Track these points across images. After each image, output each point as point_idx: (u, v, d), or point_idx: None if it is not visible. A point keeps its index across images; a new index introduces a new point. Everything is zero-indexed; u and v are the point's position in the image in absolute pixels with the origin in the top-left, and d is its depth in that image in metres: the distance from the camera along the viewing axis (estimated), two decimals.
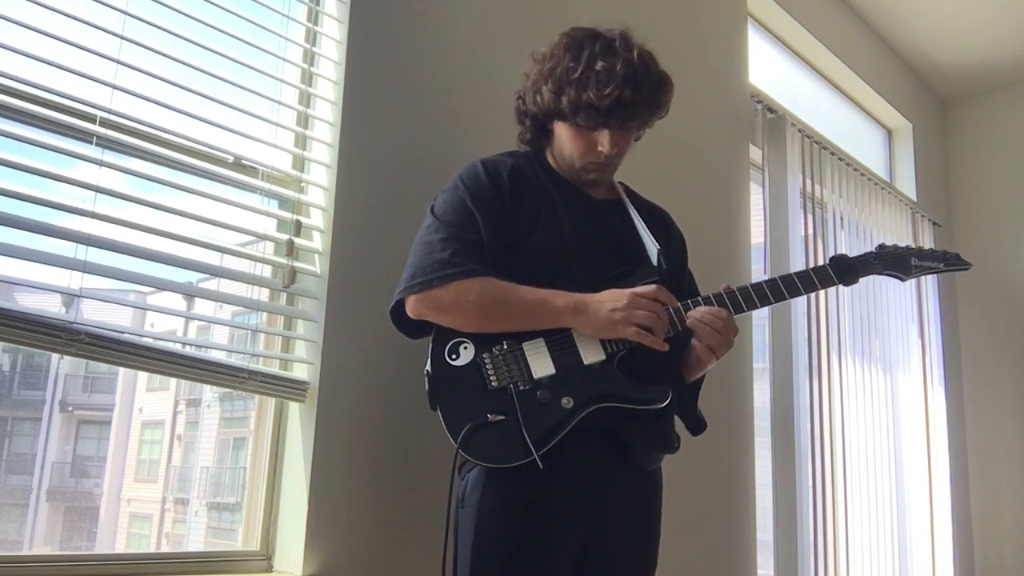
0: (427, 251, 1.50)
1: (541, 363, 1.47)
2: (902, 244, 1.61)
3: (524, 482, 1.41)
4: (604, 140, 1.55)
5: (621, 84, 1.49)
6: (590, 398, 1.45)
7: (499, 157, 1.63)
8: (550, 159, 1.67)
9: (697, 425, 1.67)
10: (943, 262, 1.59)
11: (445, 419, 1.45)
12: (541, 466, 1.38)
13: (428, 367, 1.50)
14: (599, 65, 1.50)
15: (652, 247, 1.60)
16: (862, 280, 1.61)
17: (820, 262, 3.35)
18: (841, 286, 1.59)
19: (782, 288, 1.54)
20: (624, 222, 1.66)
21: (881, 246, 1.60)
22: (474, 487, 1.45)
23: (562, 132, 1.59)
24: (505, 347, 1.47)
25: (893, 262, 1.58)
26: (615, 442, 1.49)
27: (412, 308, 1.51)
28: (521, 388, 1.45)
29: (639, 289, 1.47)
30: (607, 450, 1.49)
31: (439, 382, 1.48)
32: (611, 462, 1.51)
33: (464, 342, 1.48)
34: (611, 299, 1.45)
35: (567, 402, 1.44)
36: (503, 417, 1.43)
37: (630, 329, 1.44)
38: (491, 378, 1.46)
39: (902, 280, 1.61)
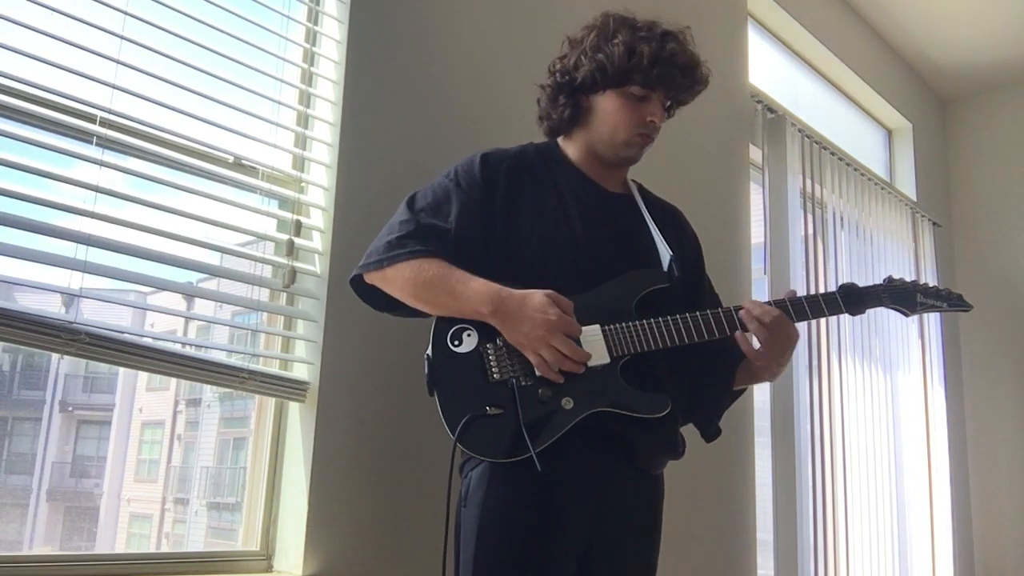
0: (386, 232, 1.53)
1: None
2: (908, 279, 1.60)
3: (528, 481, 1.40)
4: (655, 109, 1.57)
5: (689, 48, 1.57)
6: (590, 401, 1.44)
7: (506, 149, 1.62)
8: (569, 149, 1.65)
9: (715, 434, 1.68)
10: (947, 302, 1.59)
11: (442, 407, 1.44)
12: (539, 467, 1.37)
13: (429, 351, 1.49)
14: (660, 30, 1.56)
15: (665, 252, 1.58)
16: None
17: (820, 262, 3.38)
18: (848, 315, 1.58)
19: (791, 311, 1.52)
20: (634, 217, 1.65)
21: (889, 279, 1.59)
22: (477, 485, 1.45)
23: (607, 105, 1.58)
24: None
25: (899, 297, 1.58)
26: (620, 445, 1.49)
27: (368, 280, 1.54)
28: (523, 383, 1.43)
29: (568, 328, 1.43)
30: (612, 452, 1.48)
31: (439, 368, 1.47)
32: (616, 464, 1.50)
33: (467, 329, 1.47)
34: (532, 321, 1.42)
35: (567, 403, 1.43)
36: (502, 411, 1.42)
37: (534, 357, 1.43)
38: (493, 370, 1.45)
39: (906, 315, 1.61)
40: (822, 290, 3.19)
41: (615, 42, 1.55)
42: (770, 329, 1.49)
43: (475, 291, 1.44)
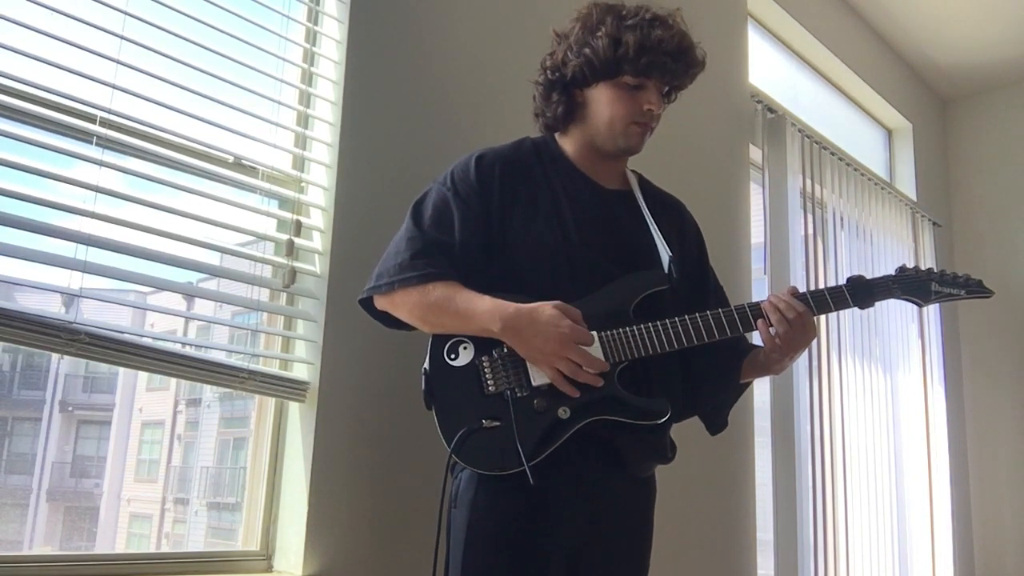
0: (394, 251, 1.51)
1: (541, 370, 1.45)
2: (923, 267, 1.53)
3: (517, 484, 1.40)
4: (651, 96, 1.53)
5: (678, 32, 1.52)
6: (588, 409, 1.43)
7: (500, 148, 1.60)
8: (566, 145, 1.63)
9: (722, 427, 1.67)
10: (965, 288, 1.52)
11: (440, 421, 1.44)
12: (532, 481, 1.37)
13: (426, 365, 1.49)
14: (648, 15, 1.51)
15: (664, 253, 1.56)
16: None
17: (820, 262, 3.38)
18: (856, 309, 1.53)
19: (812, 304, 1.49)
20: (633, 216, 1.62)
21: (902, 269, 1.54)
22: (467, 487, 1.44)
23: (602, 96, 1.54)
24: (505, 351, 1.45)
25: (912, 287, 1.52)
26: (608, 450, 1.48)
27: (378, 304, 1.54)
28: (518, 395, 1.43)
29: (581, 338, 1.42)
30: (600, 457, 1.47)
31: (436, 382, 1.47)
32: (604, 469, 1.48)
33: (464, 342, 1.47)
34: (544, 335, 1.41)
35: (563, 412, 1.42)
36: (498, 423, 1.41)
37: (550, 371, 1.42)
38: (489, 382, 1.44)
39: (920, 306, 1.55)
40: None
41: (599, 34, 1.51)
42: (792, 324, 1.47)
43: (482, 309, 1.43)
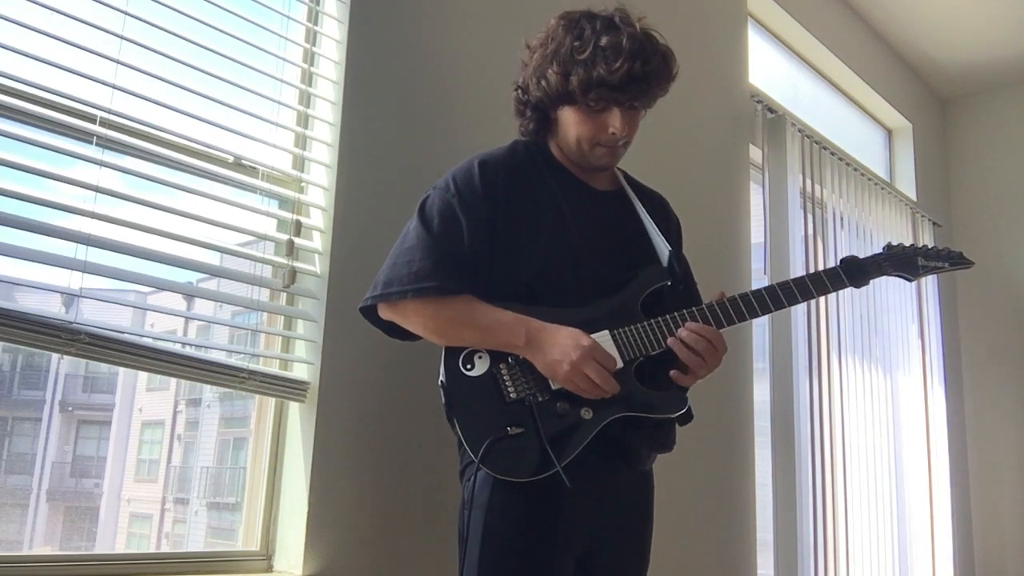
0: (406, 259, 1.48)
1: None
2: (907, 244, 1.60)
3: (531, 483, 1.41)
4: (615, 120, 1.51)
5: (630, 58, 1.45)
6: (609, 408, 1.44)
7: (499, 154, 1.60)
8: (553, 149, 1.63)
9: (688, 420, 1.68)
10: (948, 261, 1.59)
11: (463, 432, 1.44)
12: (568, 484, 1.38)
13: (442, 378, 1.48)
14: (604, 41, 1.46)
15: (664, 249, 1.58)
16: None
17: (820, 262, 3.38)
18: (852, 288, 1.57)
19: (794, 291, 1.51)
20: (629, 216, 1.64)
21: (888, 246, 1.59)
22: (482, 488, 1.44)
23: (568, 117, 1.54)
24: (521, 357, 1.46)
25: (901, 263, 1.57)
26: (616, 445, 1.49)
27: (383, 313, 1.52)
28: (540, 400, 1.44)
29: (597, 354, 1.42)
30: (609, 453, 1.49)
31: (455, 393, 1.46)
32: (612, 464, 1.50)
33: (478, 352, 1.47)
34: (563, 349, 1.42)
35: (586, 413, 1.43)
36: (522, 430, 1.42)
37: (570, 384, 1.43)
38: (509, 389, 1.44)
39: (909, 280, 1.60)
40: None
41: (550, 71, 1.50)
42: (697, 353, 1.48)
43: (505, 324, 1.44)
